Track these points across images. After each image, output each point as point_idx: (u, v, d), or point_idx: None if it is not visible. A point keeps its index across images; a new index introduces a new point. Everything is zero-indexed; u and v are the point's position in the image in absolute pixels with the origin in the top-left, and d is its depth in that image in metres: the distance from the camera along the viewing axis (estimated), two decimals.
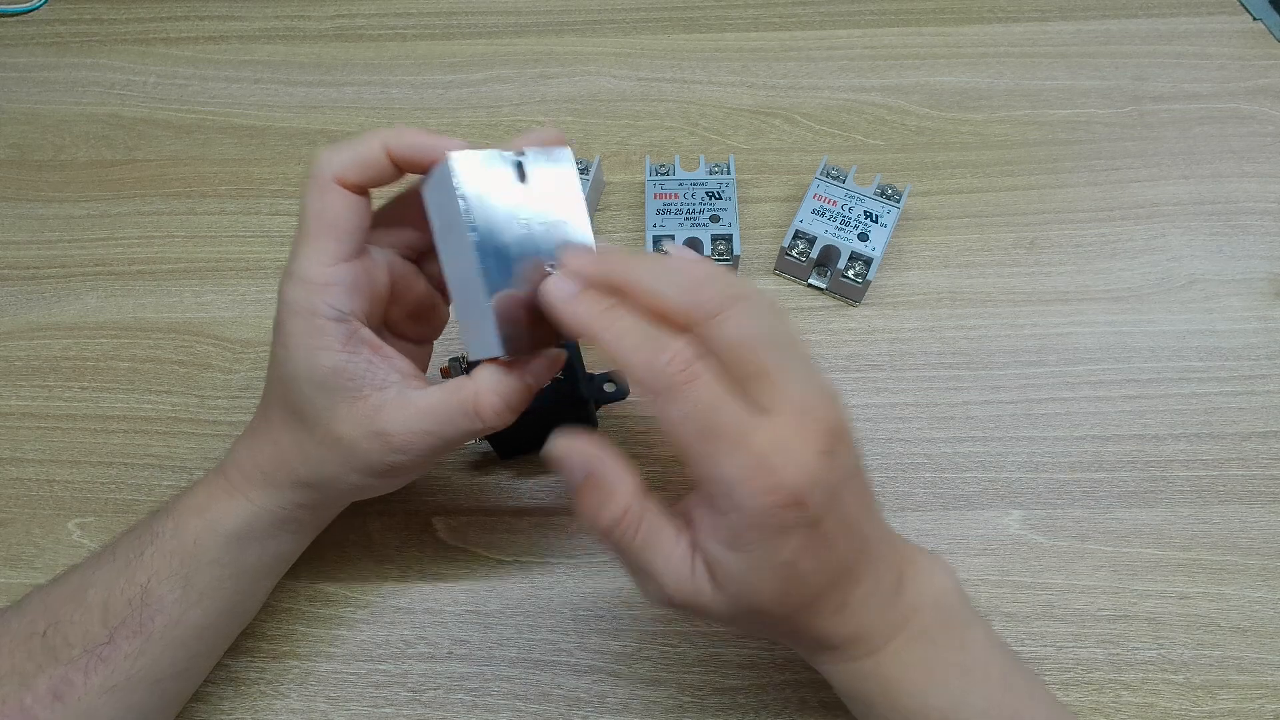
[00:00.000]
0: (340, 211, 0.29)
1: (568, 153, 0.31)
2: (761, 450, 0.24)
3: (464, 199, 0.28)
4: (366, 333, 0.30)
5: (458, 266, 0.30)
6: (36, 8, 0.62)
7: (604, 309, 0.26)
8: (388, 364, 0.31)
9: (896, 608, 0.28)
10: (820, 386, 0.26)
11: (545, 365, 0.31)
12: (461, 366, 0.41)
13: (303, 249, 0.29)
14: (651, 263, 0.27)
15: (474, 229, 0.28)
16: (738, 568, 0.25)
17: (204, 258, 0.50)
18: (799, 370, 0.26)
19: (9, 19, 0.62)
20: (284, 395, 0.31)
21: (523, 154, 0.30)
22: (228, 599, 0.33)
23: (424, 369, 0.36)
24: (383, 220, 0.32)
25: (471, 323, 0.30)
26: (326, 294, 0.29)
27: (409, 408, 0.30)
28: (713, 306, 0.25)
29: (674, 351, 0.25)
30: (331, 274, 0.29)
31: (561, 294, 0.27)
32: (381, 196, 0.32)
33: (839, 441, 0.25)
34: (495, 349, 0.29)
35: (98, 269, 0.50)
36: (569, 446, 0.27)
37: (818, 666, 0.30)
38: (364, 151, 0.29)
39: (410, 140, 0.29)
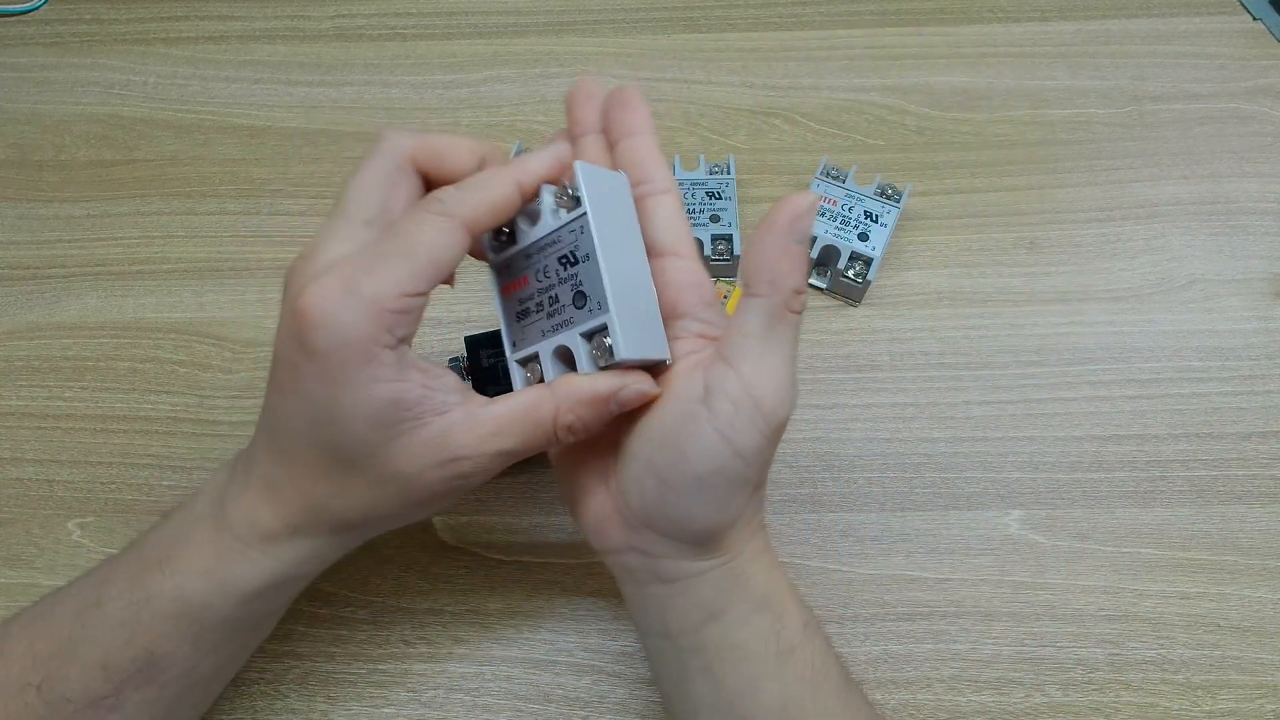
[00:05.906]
0: (456, 256, 0.27)
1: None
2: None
3: (587, 213, 0.27)
4: (412, 354, 0.27)
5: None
6: (36, 8, 0.62)
7: None
8: (439, 383, 0.27)
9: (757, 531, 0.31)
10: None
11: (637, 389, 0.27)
12: (460, 368, 0.40)
13: (382, 265, 0.25)
14: None
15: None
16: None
17: (204, 258, 0.50)
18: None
19: (9, 19, 0.62)
20: (317, 439, 0.27)
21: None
22: (242, 642, 0.32)
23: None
24: None
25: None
26: (397, 322, 0.25)
27: (480, 428, 0.27)
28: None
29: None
30: (411, 302, 0.26)
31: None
32: None
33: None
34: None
35: (98, 269, 0.50)
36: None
37: (688, 574, 0.29)
38: (496, 196, 0.27)
39: (538, 171, 0.28)
